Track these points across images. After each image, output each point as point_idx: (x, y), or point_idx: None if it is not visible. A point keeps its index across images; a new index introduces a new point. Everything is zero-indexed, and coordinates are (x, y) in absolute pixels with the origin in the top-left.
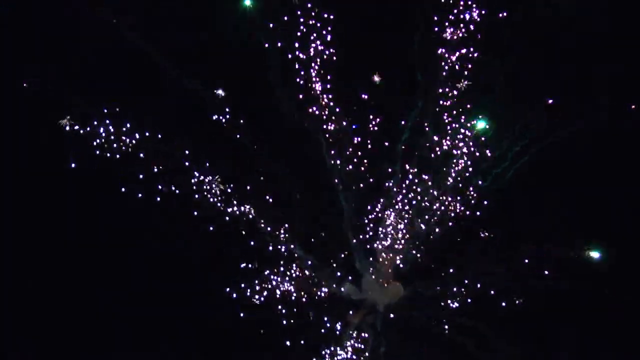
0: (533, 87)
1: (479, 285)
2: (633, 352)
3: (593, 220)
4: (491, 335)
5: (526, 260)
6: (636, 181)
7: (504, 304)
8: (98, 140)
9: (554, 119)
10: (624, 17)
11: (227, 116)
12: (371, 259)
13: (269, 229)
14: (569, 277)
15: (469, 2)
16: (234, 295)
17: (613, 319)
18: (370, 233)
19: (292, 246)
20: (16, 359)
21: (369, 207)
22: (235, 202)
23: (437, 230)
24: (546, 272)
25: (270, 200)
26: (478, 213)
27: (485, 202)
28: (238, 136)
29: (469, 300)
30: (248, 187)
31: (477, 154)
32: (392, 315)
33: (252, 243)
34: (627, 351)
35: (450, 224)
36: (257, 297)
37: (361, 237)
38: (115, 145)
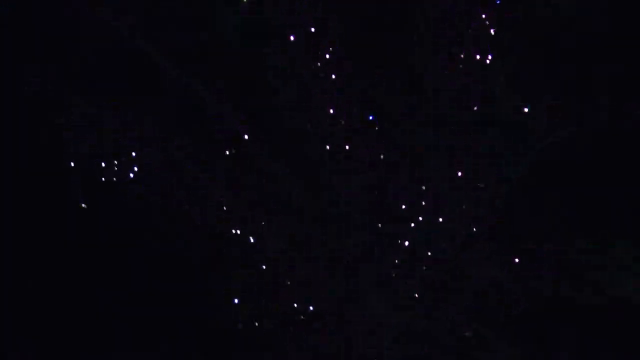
0: (533, 87)
1: (481, 289)
2: (633, 352)
3: (593, 220)
4: (491, 336)
5: (526, 261)
6: (636, 181)
7: (506, 306)
8: (98, 140)
9: (554, 119)
10: (624, 17)
11: (227, 117)
12: (377, 276)
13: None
14: (569, 277)
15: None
16: (240, 326)
17: (613, 319)
18: (377, 251)
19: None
20: (16, 359)
21: (375, 222)
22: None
23: (445, 247)
24: (546, 273)
25: (270, 206)
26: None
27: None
28: (238, 136)
29: (471, 304)
30: (248, 190)
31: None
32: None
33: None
34: (627, 351)
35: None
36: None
37: (367, 255)
38: (115, 145)
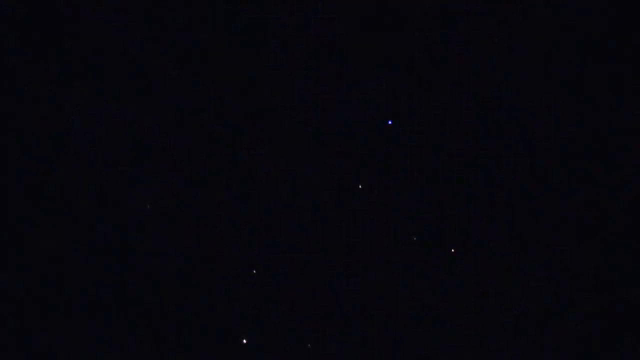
0: (533, 87)
1: (481, 289)
2: (633, 352)
3: (593, 220)
4: (491, 336)
5: (527, 261)
6: (636, 181)
7: (506, 306)
8: (98, 140)
9: (554, 119)
10: (624, 17)
11: (227, 117)
12: (377, 277)
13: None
14: (569, 277)
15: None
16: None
17: (613, 319)
18: (376, 251)
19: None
20: (16, 359)
21: (375, 222)
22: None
23: (445, 247)
24: (546, 273)
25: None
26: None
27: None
28: (238, 136)
29: (472, 303)
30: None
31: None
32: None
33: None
34: (627, 351)
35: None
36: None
37: (367, 255)
38: (114, 144)
